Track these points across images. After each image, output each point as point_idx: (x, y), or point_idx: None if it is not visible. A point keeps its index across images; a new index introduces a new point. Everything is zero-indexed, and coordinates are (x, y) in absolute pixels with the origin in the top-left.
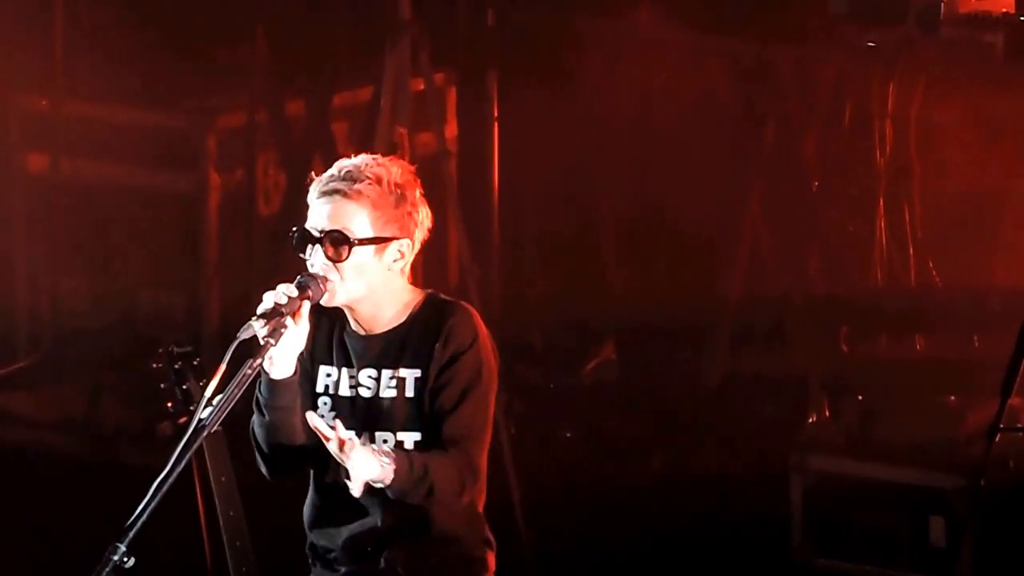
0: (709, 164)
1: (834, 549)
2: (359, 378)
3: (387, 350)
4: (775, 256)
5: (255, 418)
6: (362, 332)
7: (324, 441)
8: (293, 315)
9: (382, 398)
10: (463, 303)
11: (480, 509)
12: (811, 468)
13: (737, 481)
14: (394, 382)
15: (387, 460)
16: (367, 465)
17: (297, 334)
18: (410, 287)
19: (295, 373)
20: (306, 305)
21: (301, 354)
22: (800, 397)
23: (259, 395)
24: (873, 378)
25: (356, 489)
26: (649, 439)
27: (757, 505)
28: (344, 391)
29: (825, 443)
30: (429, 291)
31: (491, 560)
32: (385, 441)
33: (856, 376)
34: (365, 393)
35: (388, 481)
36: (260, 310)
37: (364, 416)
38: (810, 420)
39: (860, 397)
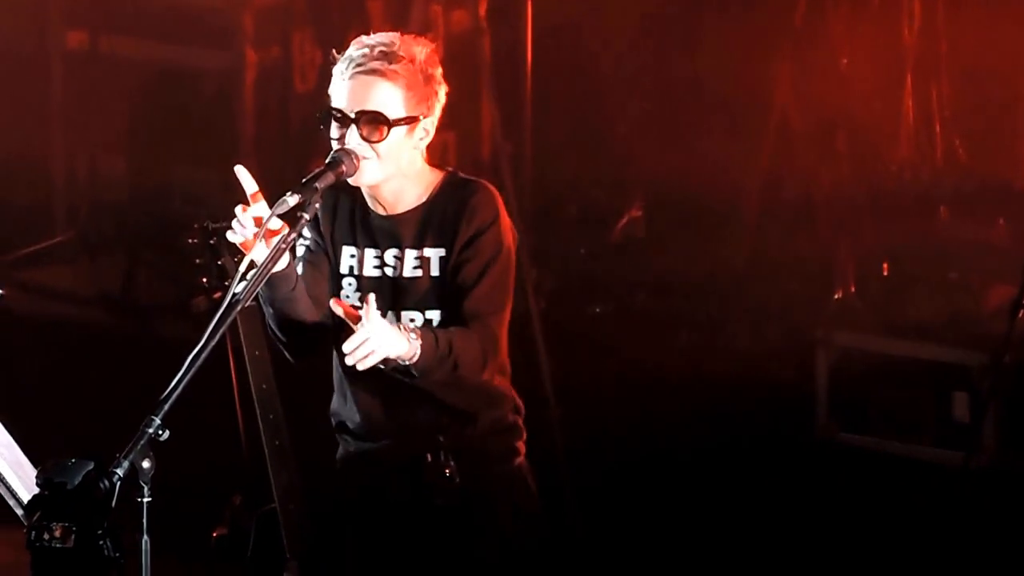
0: (739, 41)
1: (858, 424)
2: (384, 258)
3: (411, 229)
4: (803, 133)
5: (265, 310)
6: (383, 212)
7: (353, 324)
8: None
9: (407, 277)
10: (484, 182)
11: (509, 379)
12: (836, 344)
13: (762, 356)
14: (419, 261)
15: (415, 336)
16: (395, 341)
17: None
18: (428, 166)
19: (289, 265)
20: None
21: (320, 238)
22: (826, 273)
23: (260, 291)
24: (898, 255)
25: (371, 359)
26: (676, 315)
27: (782, 381)
28: (369, 271)
29: (850, 319)
30: (448, 169)
31: (522, 425)
32: (412, 320)
33: (882, 253)
34: (390, 273)
35: (416, 358)
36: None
37: (390, 296)
38: (836, 296)
39: (885, 274)
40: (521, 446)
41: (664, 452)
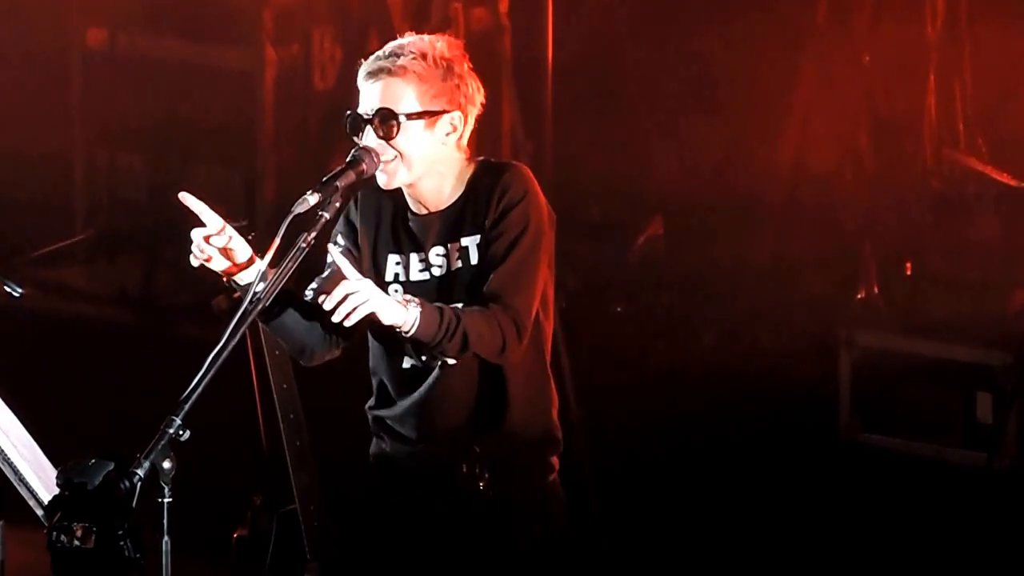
0: (761, 38)
1: (881, 425)
2: (429, 259)
3: (450, 223)
4: (826, 132)
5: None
6: (424, 211)
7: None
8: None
9: (453, 272)
10: (516, 162)
11: (552, 387)
12: (859, 344)
13: (786, 357)
14: (459, 253)
15: (414, 305)
16: (387, 301)
17: None
18: (466, 160)
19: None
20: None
21: (355, 249)
22: (849, 273)
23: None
24: (921, 255)
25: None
26: (698, 315)
27: (805, 381)
28: (416, 275)
29: (873, 319)
30: (481, 158)
31: (559, 437)
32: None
33: (905, 253)
34: (437, 272)
35: (415, 327)
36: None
37: (440, 295)
38: (859, 296)
39: (908, 274)
40: (556, 461)
41: (686, 452)
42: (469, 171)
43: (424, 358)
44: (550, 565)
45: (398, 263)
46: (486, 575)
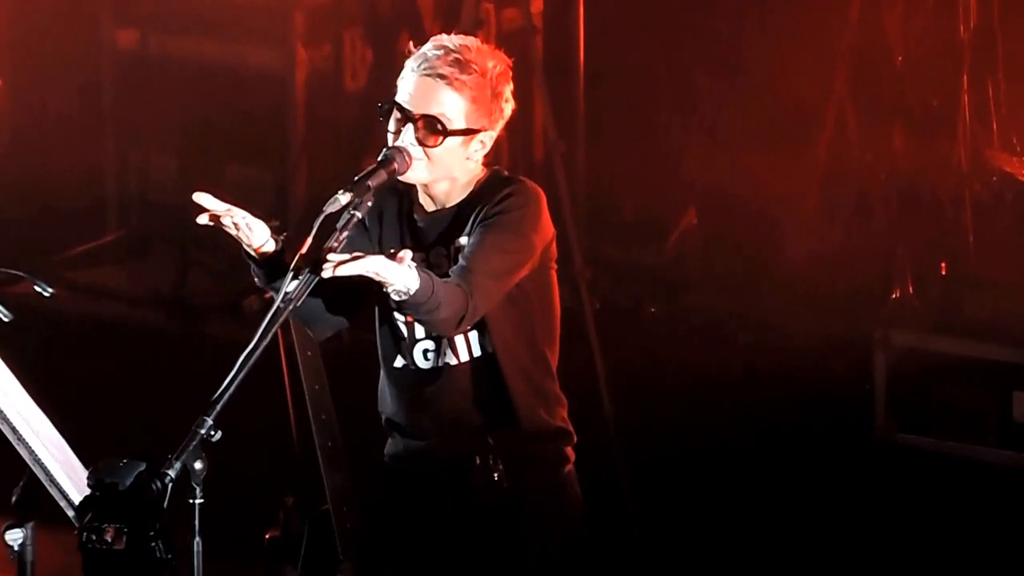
0: (794, 38)
1: (917, 425)
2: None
3: (451, 225)
4: (859, 131)
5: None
6: (431, 208)
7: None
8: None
9: (450, 273)
10: (528, 180)
11: (555, 379)
12: (894, 344)
13: (820, 357)
14: (456, 253)
15: (414, 267)
16: (398, 274)
17: None
18: (481, 167)
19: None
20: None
21: (362, 241)
22: (884, 273)
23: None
24: (957, 254)
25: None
26: (732, 315)
27: (840, 381)
28: None
29: (909, 319)
30: (494, 168)
31: (571, 428)
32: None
33: (940, 252)
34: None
35: (413, 288)
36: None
37: None
38: (894, 296)
39: (943, 273)
40: (571, 452)
41: (719, 453)
42: (479, 176)
43: (413, 357)
44: (568, 556)
45: None
46: (508, 566)
